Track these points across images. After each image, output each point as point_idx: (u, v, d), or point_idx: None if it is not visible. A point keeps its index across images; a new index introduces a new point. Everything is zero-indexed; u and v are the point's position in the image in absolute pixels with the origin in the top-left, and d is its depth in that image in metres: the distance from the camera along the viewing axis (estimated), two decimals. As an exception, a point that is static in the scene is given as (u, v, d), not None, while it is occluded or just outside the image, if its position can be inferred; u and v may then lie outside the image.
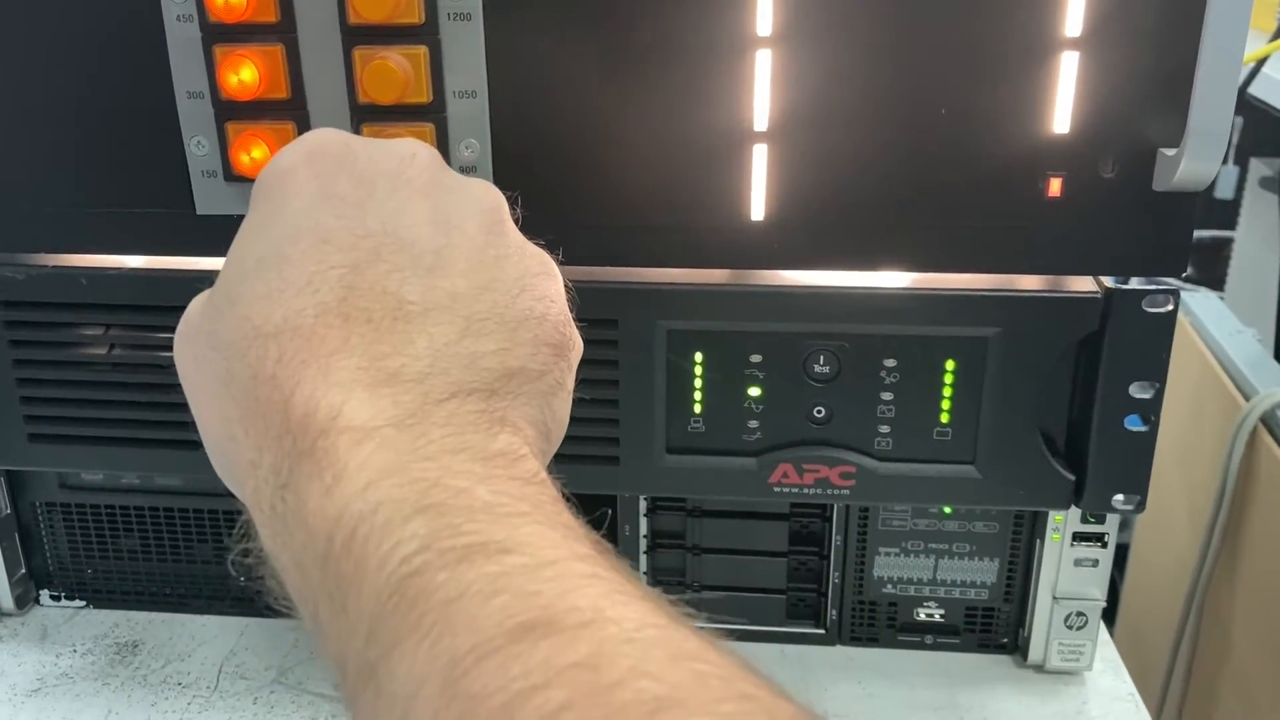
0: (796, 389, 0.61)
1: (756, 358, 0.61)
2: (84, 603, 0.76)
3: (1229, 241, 1.80)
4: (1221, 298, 1.48)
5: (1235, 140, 2.30)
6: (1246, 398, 1.01)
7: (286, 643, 0.72)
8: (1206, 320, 1.21)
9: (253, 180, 0.57)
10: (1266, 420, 0.97)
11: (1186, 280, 2.14)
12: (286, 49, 0.55)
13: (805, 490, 0.63)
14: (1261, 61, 1.15)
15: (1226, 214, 1.82)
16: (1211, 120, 0.51)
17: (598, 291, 0.60)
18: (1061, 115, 0.55)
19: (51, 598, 0.76)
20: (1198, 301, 1.32)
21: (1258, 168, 1.67)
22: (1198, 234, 2.33)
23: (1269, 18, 1.15)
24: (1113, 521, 0.65)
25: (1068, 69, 0.54)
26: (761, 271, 0.60)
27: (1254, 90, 1.18)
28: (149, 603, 0.76)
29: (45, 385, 0.64)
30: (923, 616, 0.71)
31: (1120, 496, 0.61)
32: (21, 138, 0.59)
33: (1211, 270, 2.08)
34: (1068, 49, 0.53)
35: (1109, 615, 1.76)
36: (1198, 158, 0.52)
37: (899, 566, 0.70)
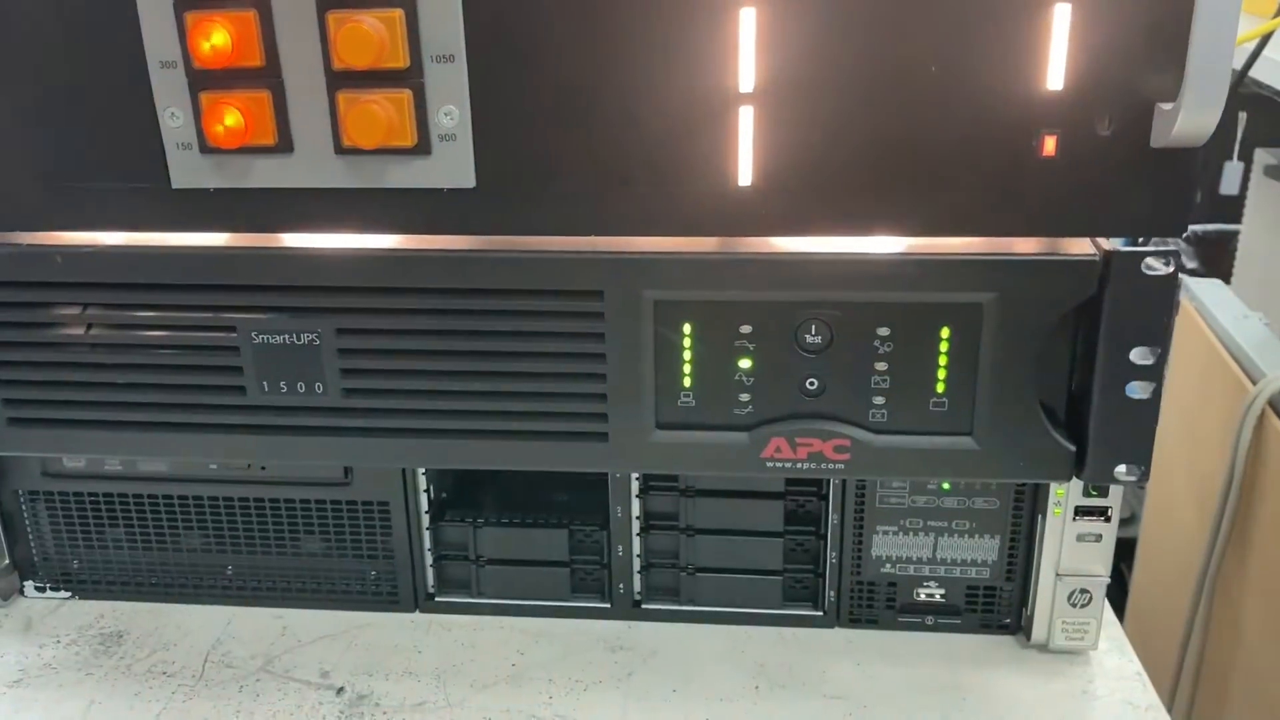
0: (788, 360, 0.59)
1: (746, 328, 0.59)
2: (70, 594, 0.75)
3: (1235, 235, 1.78)
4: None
5: (1239, 135, 2.28)
6: (1254, 381, 1.00)
7: (274, 631, 0.71)
8: (1212, 306, 1.20)
9: (227, 151, 0.56)
10: (1275, 403, 0.95)
11: (1193, 274, 2.13)
12: (260, 14, 0.54)
13: (799, 465, 0.61)
14: (1263, 44, 1.13)
15: (1232, 209, 1.81)
16: (1209, 69, 0.50)
17: (582, 262, 0.58)
18: (1055, 71, 0.53)
19: (36, 589, 0.75)
20: (1203, 288, 1.30)
21: (1262, 157, 1.65)
22: (1204, 228, 2.31)
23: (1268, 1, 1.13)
24: (1115, 494, 0.63)
25: (1060, 22, 0.52)
26: (750, 239, 0.59)
27: (1256, 74, 1.16)
28: (136, 593, 0.75)
29: (22, 367, 0.63)
30: (923, 597, 0.69)
31: (1123, 467, 0.59)
32: (-6, 113, 0.58)
33: (1218, 264, 2.06)
34: (1060, 1, 0.52)
35: (1118, 607, 1.74)
36: (1196, 109, 0.50)
37: (898, 545, 0.68)
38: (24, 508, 0.73)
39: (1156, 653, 1.13)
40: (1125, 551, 1.55)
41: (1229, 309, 1.18)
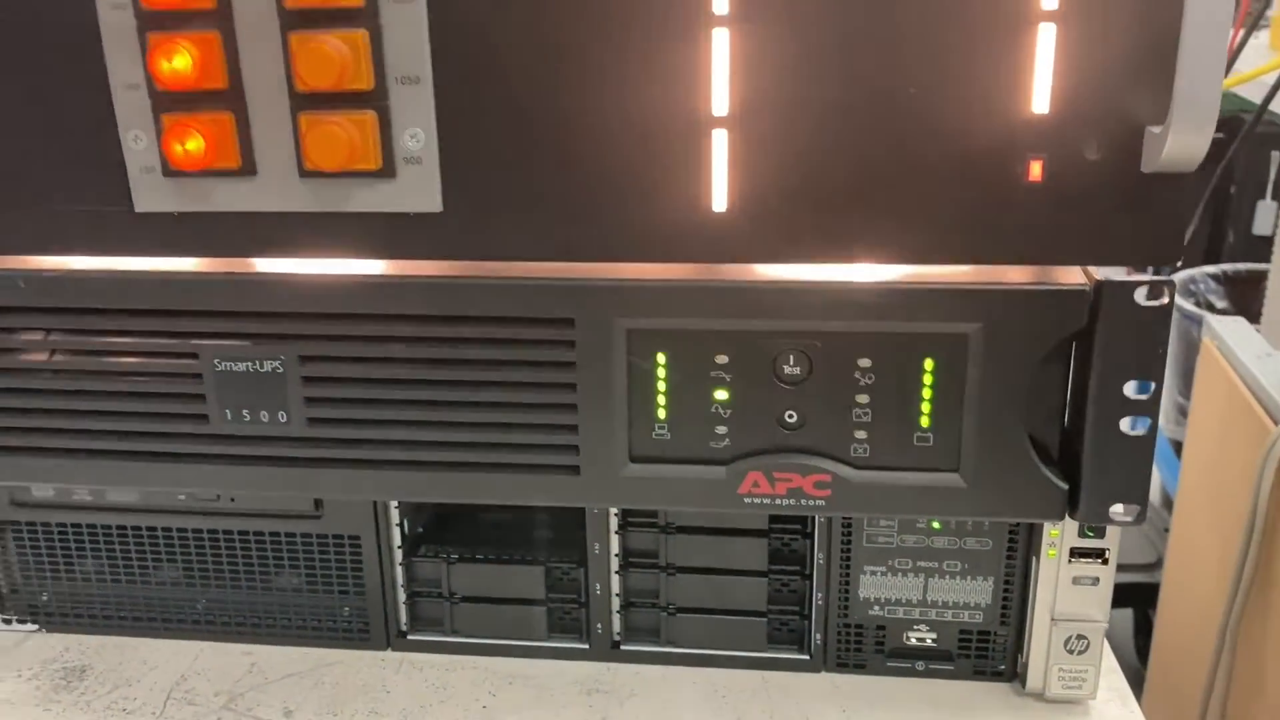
0: (766, 392, 0.57)
1: (723, 359, 0.57)
2: (37, 626, 0.73)
3: (1266, 275, 1.75)
4: (1258, 329, 1.43)
5: (1273, 175, 2.25)
6: (1276, 421, 0.96)
7: (242, 668, 0.69)
8: (1234, 344, 1.16)
9: (190, 174, 0.55)
10: (1297, 444, 0.91)
11: (1222, 314, 2.09)
12: (223, 35, 0.53)
13: (778, 501, 0.59)
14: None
15: (1266, 249, 1.78)
16: (1199, 90, 0.48)
17: (552, 288, 0.57)
18: (1040, 93, 0.51)
19: (3, 621, 0.73)
20: (1226, 326, 1.27)
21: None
22: (1234, 267, 2.27)
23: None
24: (1113, 536, 0.60)
25: (1045, 42, 0.50)
26: (726, 266, 0.57)
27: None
28: (105, 626, 0.73)
29: (-15, 394, 0.62)
30: (913, 641, 0.66)
31: (1119, 507, 0.57)
32: (-43, 134, 0.57)
33: (1249, 304, 2.02)
34: (1044, 21, 0.50)
35: (1143, 653, 1.68)
36: (1186, 132, 0.48)
37: (887, 586, 0.65)
38: (-8, 538, 0.72)
39: (1182, 700, 1.09)
40: (1150, 596, 1.51)
41: (1251, 347, 1.14)
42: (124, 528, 0.70)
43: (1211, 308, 2.13)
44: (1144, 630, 1.71)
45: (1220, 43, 0.48)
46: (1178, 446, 1.72)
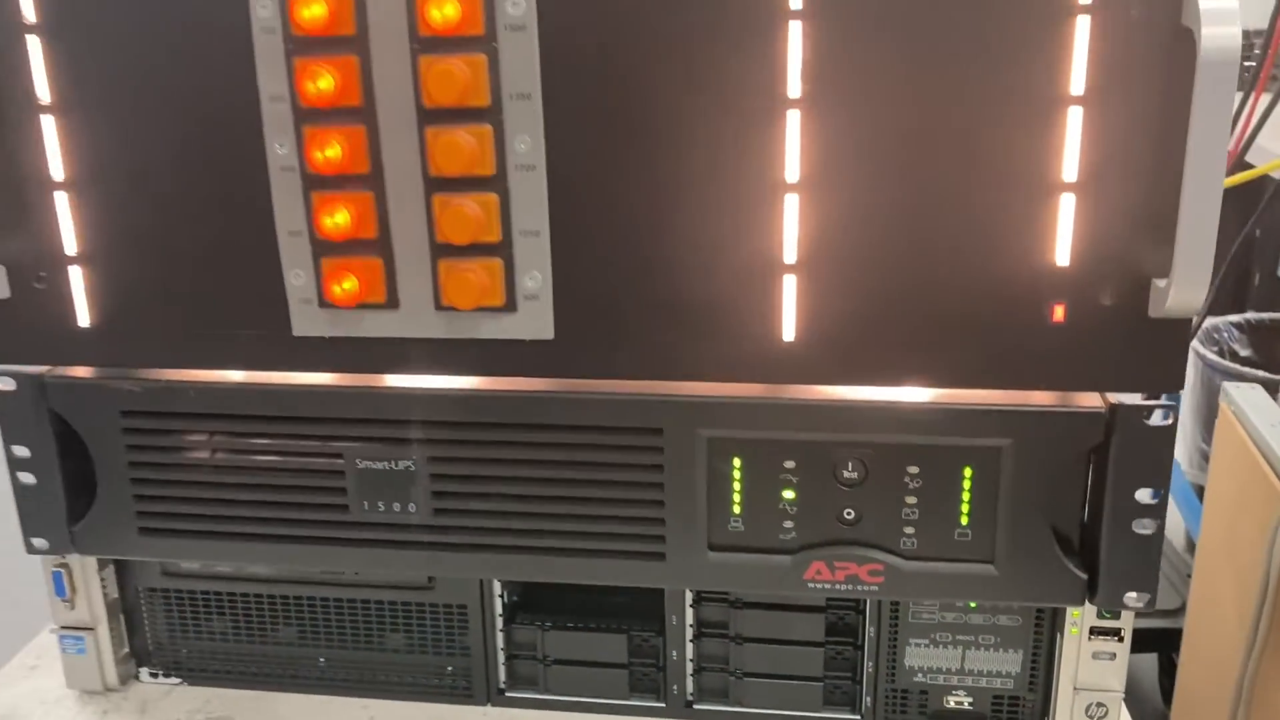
0: (827, 492, 0.67)
1: (790, 464, 0.67)
2: (180, 679, 0.83)
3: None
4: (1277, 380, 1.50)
5: (1302, 226, 2.30)
6: (1291, 491, 1.04)
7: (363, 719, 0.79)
8: (1250, 411, 1.24)
9: (342, 307, 0.66)
10: (1304, 513, 0.99)
11: (1245, 362, 2.16)
12: (375, 196, 0.64)
13: (837, 586, 0.68)
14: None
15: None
16: (1195, 253, 0.57)
17: (645, 403, 0.67)
18: (1062, 250, 0.61)
19: (150, 675, 0.83)
20: (1242, 393, 1.35)
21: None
22: (1259, 316, 2.33)
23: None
24: (1127, 617, 0.69)
25: (1066, 209, 0.60)
26: (793, 386, 0.66)
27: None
28: (238, 680, 0.83)
29: (155, 485, 0.72)
30: (952, 704, 0.75)
31: (1132, 594, 0.66)
32: (142, 272, 0.68)
33: (1272, 352, 2.09)
34: (1066, 191, 0.60)
35: (1167, 695, 1.74)
36: (1184, 287, 0.58)
37: (929, 656, 0.74)
38: (143, 602, 0.82)
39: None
40: (1174, 640, 1.58)
41: (1266, 415, 1.22)
42: (259, 595, 0.81)
43: (1235, 356, 2.19)
44: (1168, 673, 1.77)
45: (1213, 214, 0.57)
46: (1199, 490, 1.79)
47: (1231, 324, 2.23)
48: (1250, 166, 1.03)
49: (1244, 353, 2.21)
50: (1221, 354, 2.19)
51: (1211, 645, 1.24)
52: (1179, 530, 2.19)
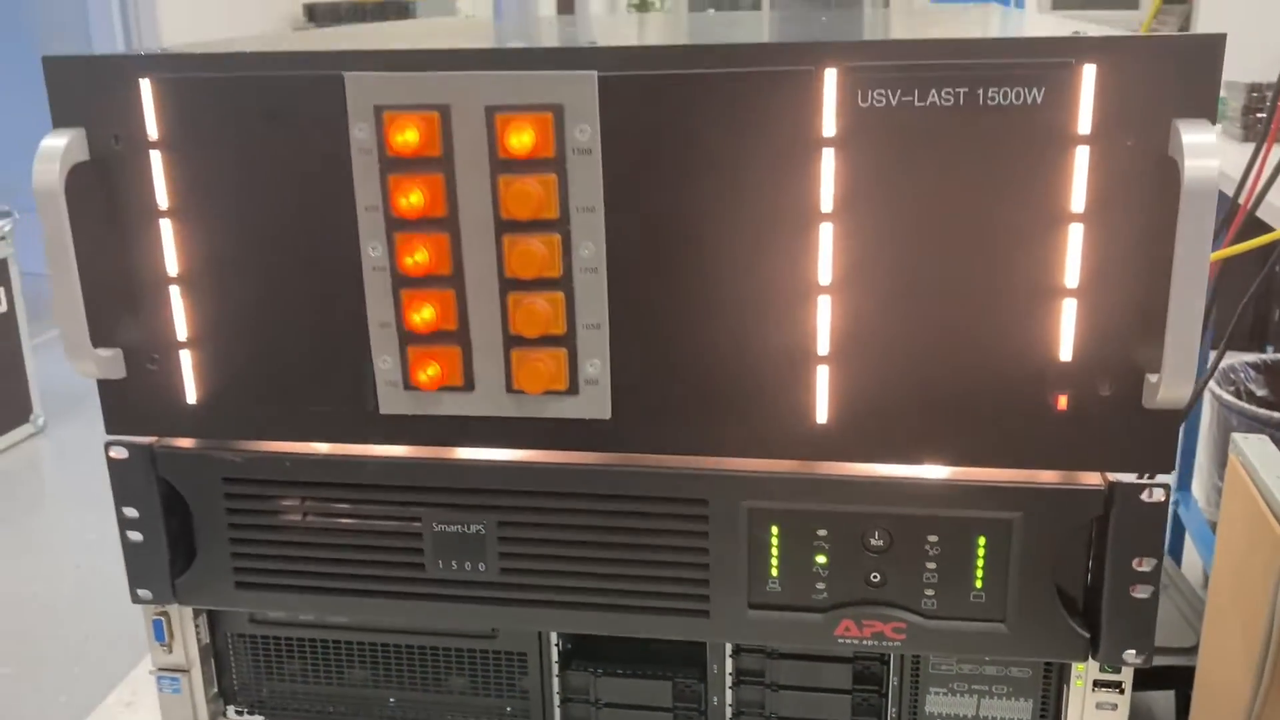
0: (856, 558, 0.75)
1: (822, 532, 0.75)
2: (262, 717, 0.92)
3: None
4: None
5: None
6: (1293, 544, 1.10)
7: (429, 757, 0.87)
8: (1257, 462, 1.30)
9: (425, 390, 0.74)
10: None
11: (1261, 402, 2.22)
12: (456, 293, 0.72)
13: (864, 641, 0.76)
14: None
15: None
16: (1181, 353, 0.65)
17: (693, 476, 0.75)
18: (1065, 346, 0.69)
19: (236, 712, 0.92)
20: (1250, 444, 1.41)
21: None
22: (1275, 356, 2.38)
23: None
24: (1127, 671, 0.77)
25: (1068, 311, 0.68)
26: (826, 463, 0.74)
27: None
28: (315, 717, 0.91)
29: (252, 544, 0.81)
30: (969, 748, 0.83)
31: (1131, 651, 0.73)
32: (245, 356, 0.77)
33: (1282, 392, 2.14)
34: (1068, 296, 0.68)
35: (1182, 728, 1.78)
36: (1173, 383, 0.65)
37: (947, 704, 0.82)
38: (231, 647, 0.90)
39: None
40: (1190, 678, 1.63)
41: (1273, 467, 1.28)
42: (336, 640, 0.89)
43: (1252, 396, 2.25)
44: (1185, 709, 1.82)
45: (1196, 318, 0.65)
46: (1215, 527, 1.85)
47: (1248, 364, 2.29)
48: (1262, 221, 1.07)
49: (1260, 392, 2.26)
50: (1238, 394, 2.24)
51: (1222, 685, 1.30)
52: (1196, 568, 2.25)
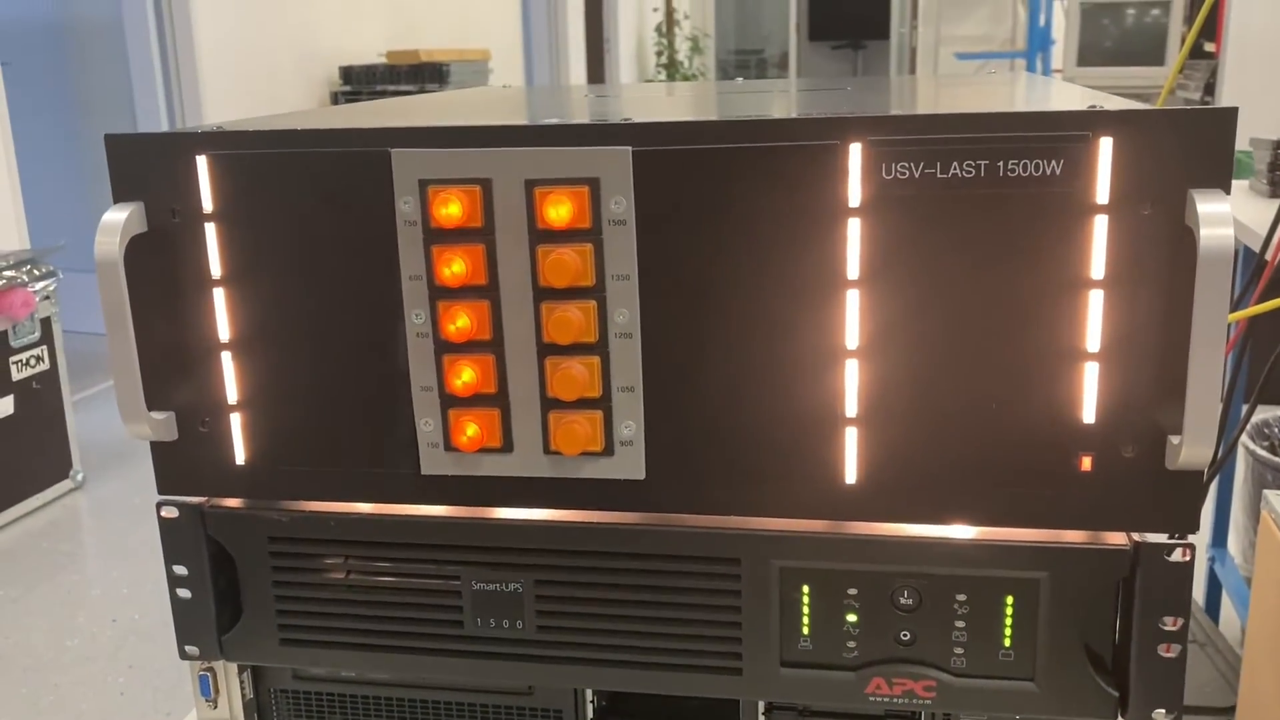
0: (886, 616, 0.76)
1: (853, 591, 0.76)
2: (302, 772, 0.93)
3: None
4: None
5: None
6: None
7: (466, 813, 0.88)
8: (1288, 521, 1.31)
9: (465, 451, 0.76)
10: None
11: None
12: (495, 357, 0.75)
13: (895, 700, 0.77)
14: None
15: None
16: (1203, 417, 0.66)
17: (725, 536, 0.76)
18: (1088, 409, 0.70)
19: (276, 767, 0.94)
20: (1281, 502, 1.41)
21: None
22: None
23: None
24: (1159, 731, 0.77)
25: (1091, 375, 0.70)
26: (855, 523, 0.76)
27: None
28: (353, 774, 0.92)
29: (296, 601, 0.83)
30: (1001, 807, 0.83)
31: (1161, 710, 0.74)
32: (292, 419, 0.80)
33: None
34: (1090, 360, 0.70)
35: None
36: (1194, 446, 0.67)
37: (978, 762, 0.82)
38: (274, 702, 0.92)
39: None
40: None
41: (1301, 526, 1.29)
42: (376, 696, 0.91)
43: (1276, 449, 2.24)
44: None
45: (1215, 384, 0.66)
46: (1251, 583, 1.84)
47: (1282, 418, 2.28)
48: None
49: (1197, 529, 2.24)
50: (1272, 449, 2.23)
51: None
52: (1234, 625, 2.22)
